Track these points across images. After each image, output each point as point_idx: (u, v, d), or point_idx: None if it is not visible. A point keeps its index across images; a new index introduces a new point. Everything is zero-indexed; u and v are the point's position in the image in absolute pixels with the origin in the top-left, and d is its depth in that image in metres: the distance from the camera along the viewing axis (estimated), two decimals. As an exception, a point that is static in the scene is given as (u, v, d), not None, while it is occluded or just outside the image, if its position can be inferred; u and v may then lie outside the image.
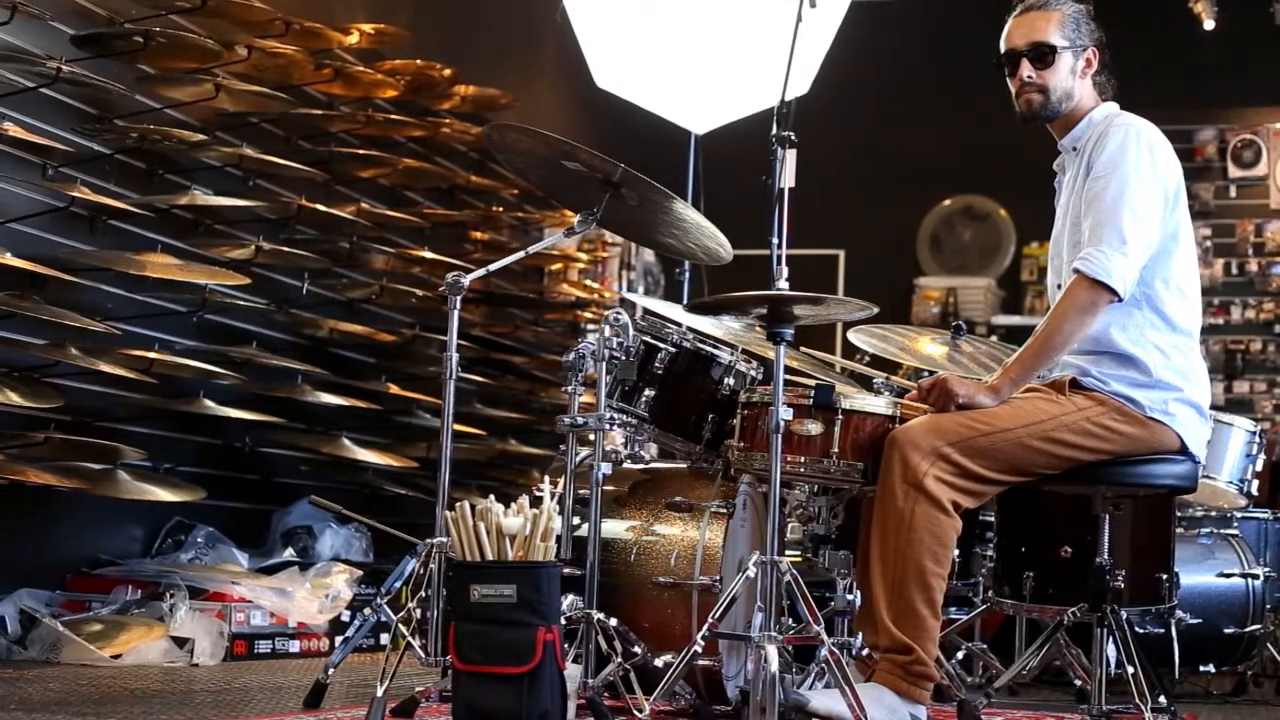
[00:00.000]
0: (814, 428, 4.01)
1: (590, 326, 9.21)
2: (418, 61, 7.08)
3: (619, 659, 3.99)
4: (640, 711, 3.79)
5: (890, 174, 10.19)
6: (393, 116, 7.07)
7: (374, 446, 6.90)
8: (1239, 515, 6.11)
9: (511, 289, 8.30)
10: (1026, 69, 4.26)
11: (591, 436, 4.22)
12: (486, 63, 8.22)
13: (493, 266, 4.34)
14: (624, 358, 4.22)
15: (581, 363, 4.19)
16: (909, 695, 3.85)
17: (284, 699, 4.51)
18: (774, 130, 5.10)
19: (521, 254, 4.42)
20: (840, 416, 4.00)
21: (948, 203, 10.46)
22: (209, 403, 6.00)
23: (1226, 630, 5.80)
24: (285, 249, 6.27)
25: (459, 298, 4.27)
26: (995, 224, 10.36)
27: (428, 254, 7.14)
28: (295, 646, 5.88)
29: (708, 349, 4.38)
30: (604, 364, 4.15)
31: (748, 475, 4.37)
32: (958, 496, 3.92)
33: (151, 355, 5.60)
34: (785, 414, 3.81)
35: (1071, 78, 4.27)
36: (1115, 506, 4.16)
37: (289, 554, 6.38)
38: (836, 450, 4.00)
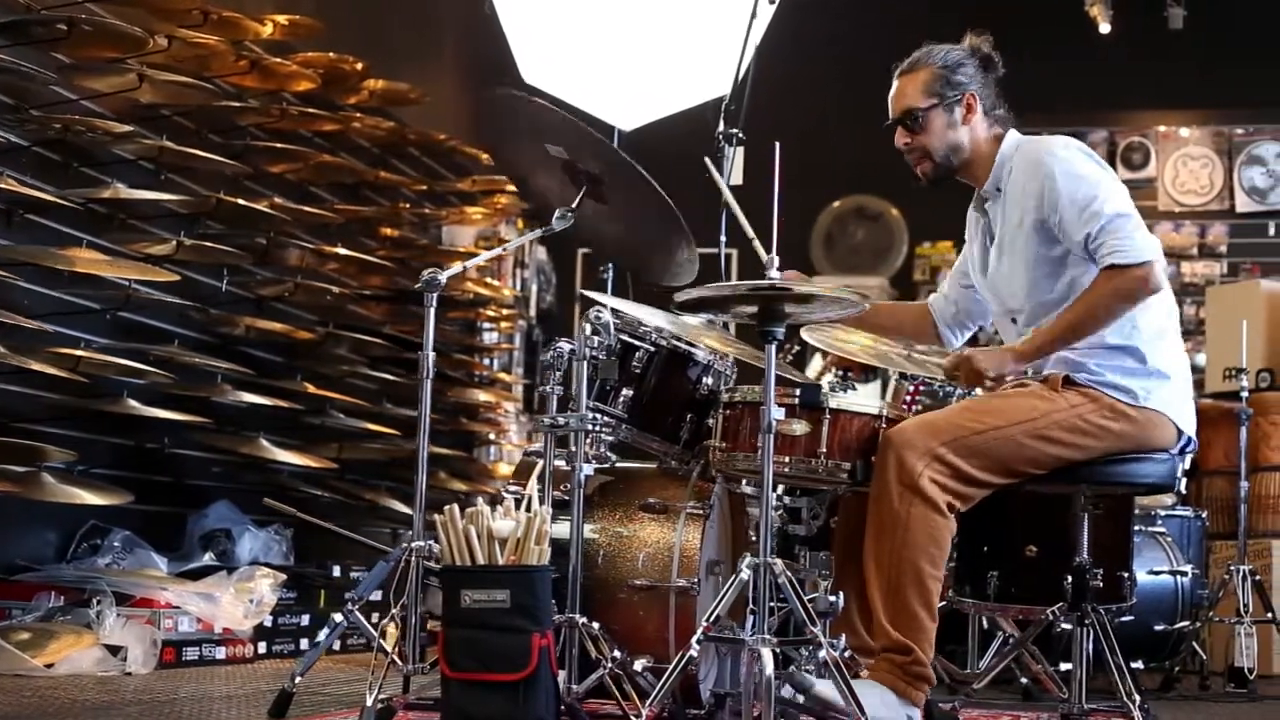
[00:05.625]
0: (800, 427, 3.97)
1: (488, 325, 9.12)
2: (330, 54, 6.93)
3: (608, 663, 3.91)
4: (637, 716, 3.72)
5: (783, 173, 10.15)
6: (307, 110, 6.91)
7: (288, 447, 6.74)
8: (1163, 513, 6.19)
9: (412, 286, 8.12)
10: (901, 137, 4.32)
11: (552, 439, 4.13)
12: (398, 56, 8.08)
13: (470, 263, 4.26)
14: (604, 356, 4.13)
15: (561, 361, 4.10)
16: (906, 695, 3.84)
17: (240, 707, 4.38)
18: (720, 127, 5.08)
19: (499, 250, 4.37)
20: (828, 416, 3.97)
21: (838, 204, 10.50)
22: (133, 403, 5.82)
23: (1157, 627, 5.88)
24: (207, 244, 6.10)
25: (435, 295, 4.19)
26: (887, 224, 10.42)
27: (342, 250, 6.99)
28: (221, 653, 5.70)
29: (684, 347, 4.30)
30: (585, 363, 4.07)
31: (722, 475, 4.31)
32: (952, 498, 3.91)
33: (79, 354, 5.41)
34: (776, 414, 3.76)
35: (951, 132, 4.29)
36: (1095, 506, 4.16)
37: (208, 558, 6.17)
38: (824, 450, 3.96)
